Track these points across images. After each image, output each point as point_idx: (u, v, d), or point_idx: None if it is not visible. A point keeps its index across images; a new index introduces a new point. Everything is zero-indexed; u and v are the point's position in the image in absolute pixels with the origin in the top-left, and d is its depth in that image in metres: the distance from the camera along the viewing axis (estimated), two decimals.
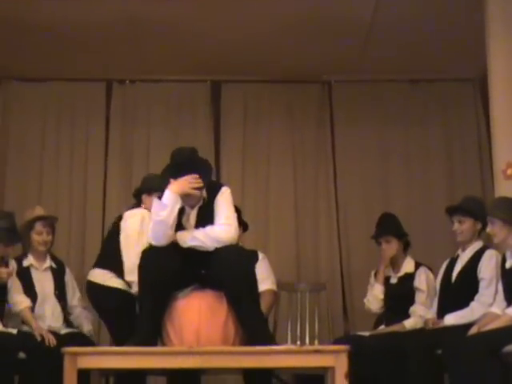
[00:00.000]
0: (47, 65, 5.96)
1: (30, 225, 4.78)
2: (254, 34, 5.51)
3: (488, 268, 4.38)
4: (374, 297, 4.95)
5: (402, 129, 6.22)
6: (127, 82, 6.30)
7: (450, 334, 4.17)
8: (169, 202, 3.81)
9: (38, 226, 4.79)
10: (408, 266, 4.94)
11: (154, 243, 3.86)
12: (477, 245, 4.52)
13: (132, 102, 6.28)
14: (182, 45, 5.66)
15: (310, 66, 6.03)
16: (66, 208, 6.02)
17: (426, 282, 4.84)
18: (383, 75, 6.19)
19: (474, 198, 4.71)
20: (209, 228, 3.88)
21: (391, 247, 4.93)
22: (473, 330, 4.08)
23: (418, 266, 4.92)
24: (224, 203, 3.94)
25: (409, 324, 4.71)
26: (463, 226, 4.52)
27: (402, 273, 4.94)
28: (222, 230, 3.87)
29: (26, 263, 4.79)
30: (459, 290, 4.47)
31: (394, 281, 4.96)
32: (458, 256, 4.60)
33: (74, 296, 4.94)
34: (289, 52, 5.76)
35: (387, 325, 4.83)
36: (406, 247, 5.02)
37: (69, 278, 4.96)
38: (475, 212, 4.51)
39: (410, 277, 4.89)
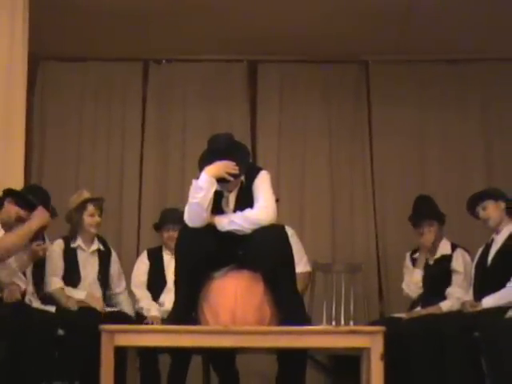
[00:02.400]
0: (84, 44, 5.97)
1: (83, 206, 4.81)
2: (291, 13, 5.46)
3: None
4: (415, 283, 4.89)
5: (439, 110, 6.13)
6: (164, 61, 6.30)
7: (487, 316, 4.17)
8: (204, 185, 3.80)
9: (91, 208, 4.82)
10: (444, 247, 4.90)
11: (189, 225, 3.88)
12: (510, 227, 4.52)
13: (168, 81, 6.27)
14: (218, 24, 5.63)
15: (347, 46, 5.98)
16: (103, 188, 6.02)
17: (463, 264, 4.80)
18: (421, 55, 6.12)
19: (490, 187, 4.81)
20: (247, 211, 3.87)
21: (433, 232, 4.88)
22: (511, 313, 4.09)
23: (454, 247, 4.89)
24: (262, 186, 3.93)
25: (445, 306, 4.68)
26: (487, 210, 4.54)
27: (438, 255, 4.90)
28: (260, 212, 3.86)
29: (73, 244, 4.83)
30: (495, 273, 4.46)
31: (430, 263, 4.91)
32: (492, 240, 4.59)
33: (120, 283, 4.98)
34: (326, 32, 5.69)
35: (423, 307, 4.79)
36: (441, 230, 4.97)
37: (115, 264, 4.99)
38: (493, 192, 4.56)
39: (446, 259, 4.85)
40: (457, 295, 4.70)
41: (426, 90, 6.16)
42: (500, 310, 4.17)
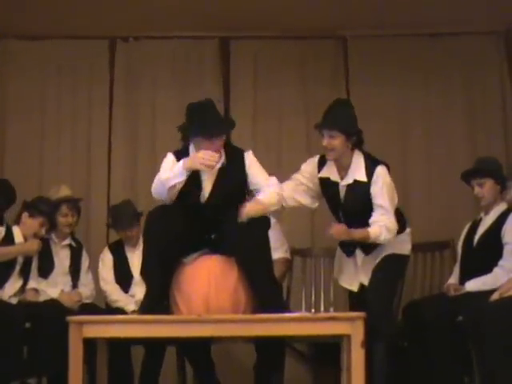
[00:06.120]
0: (47, 22, 5.78)
1: (56, 206, 4.81)
2: None
3: None
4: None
5: (421, 86, 6.04)
6: (131, 39, 6.14)
7: (471, 300, 4.14)
8: (173, 174, 3.82)
9: (64, 209, 4.87)
10: (357, 170, 4.27)
11: (153, 194, 3.90)
12: (501, 207, 4.43)
13: (137, 60, 6.13)
14: None
15: (323, 21, 5.82)
16: (69, 173, 5.93)
17: (383, 191, 4.19)
18: (402, 29, 5.99)
19: (488, 158, 4.61)
20: (263, 195, 4.00)
21: (338, 141, 4.23)
22: (494, 296, 4.06)
23: (370, 169, 4.27)
24: (256, 167, 4.11)
25: (374, 233, 4.12)
26: (484, 188, 4.41)
27: (350, 180, 4.29)
28: (274, 191, 4.06)
29: (46, 236, 4.86)
30: (481, 254, 4.40)
31: (341, 193, 4.35)
32: (480, 219, 4.52)
33: (86, 277, 4.98)
34: (301, 5, 5.56)
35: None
36: (358, 146, 4.34)
37: (85, 261, 5.02)
38: (494, 171, 4.42)
39: (362, 185, 4.25)
40: (381, 223, 4.12)
41: (407, 65, 6.04)
42: (484, 293, 4.12)
